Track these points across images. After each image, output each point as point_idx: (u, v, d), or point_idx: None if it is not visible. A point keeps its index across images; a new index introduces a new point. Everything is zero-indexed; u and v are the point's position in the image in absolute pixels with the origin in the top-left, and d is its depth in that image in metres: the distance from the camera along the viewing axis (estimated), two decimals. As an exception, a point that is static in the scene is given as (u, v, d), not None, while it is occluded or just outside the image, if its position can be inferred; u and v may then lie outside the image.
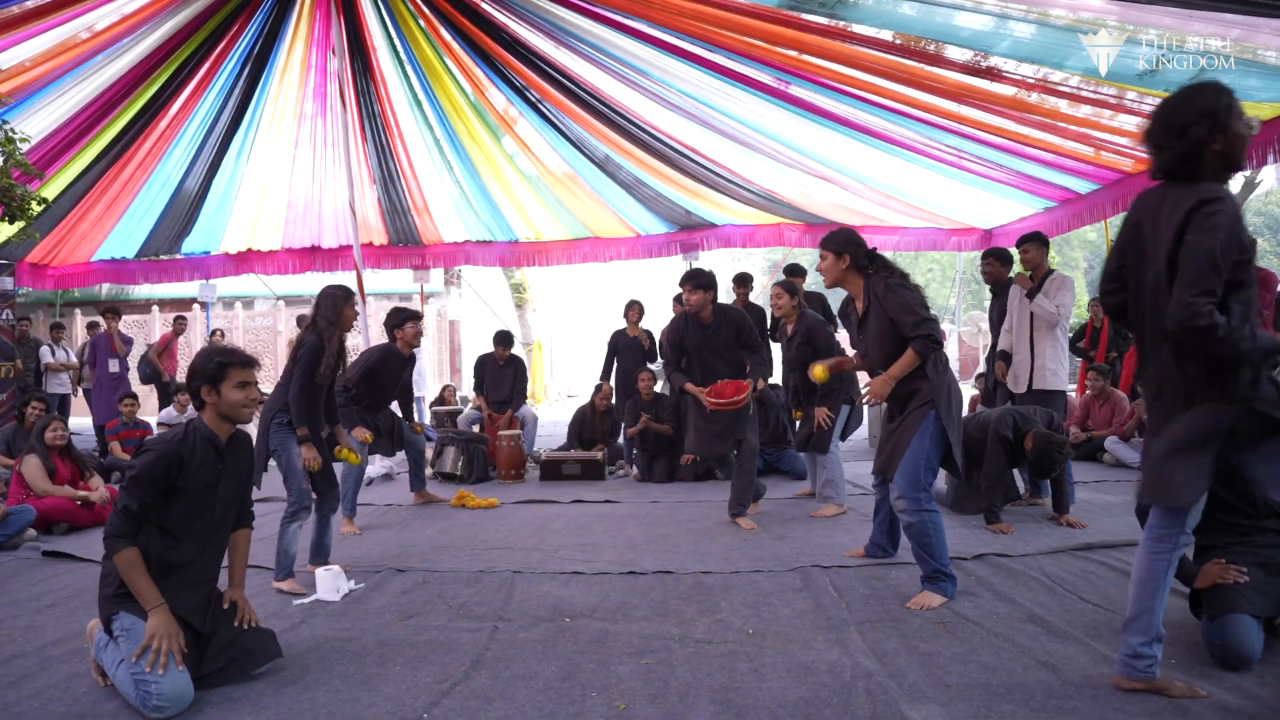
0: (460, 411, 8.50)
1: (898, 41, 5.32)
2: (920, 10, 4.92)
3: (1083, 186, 7.24)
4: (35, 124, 6.85)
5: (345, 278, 8.46)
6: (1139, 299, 2.36)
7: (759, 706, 2.36)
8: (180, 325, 10.40)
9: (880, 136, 6.94)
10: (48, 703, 2.51)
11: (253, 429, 3.08)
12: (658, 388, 7.00)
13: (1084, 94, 5.41)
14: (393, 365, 5.26)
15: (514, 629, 3.08)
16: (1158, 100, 5.17)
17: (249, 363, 2.77)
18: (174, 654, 2.43)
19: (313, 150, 8.45)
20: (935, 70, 5.57)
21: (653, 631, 3.01)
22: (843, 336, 5.09)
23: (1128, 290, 2.42)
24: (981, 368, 7.53)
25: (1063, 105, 5.69)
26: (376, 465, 7.02)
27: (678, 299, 6.90)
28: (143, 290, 17.70)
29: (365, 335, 7.43)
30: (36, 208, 6.12)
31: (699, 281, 4.77)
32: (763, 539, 4.44)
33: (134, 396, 7.80)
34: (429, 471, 6.67)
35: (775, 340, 6.81)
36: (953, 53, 5.33)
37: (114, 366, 8.58)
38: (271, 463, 3.78)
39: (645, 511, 5.31)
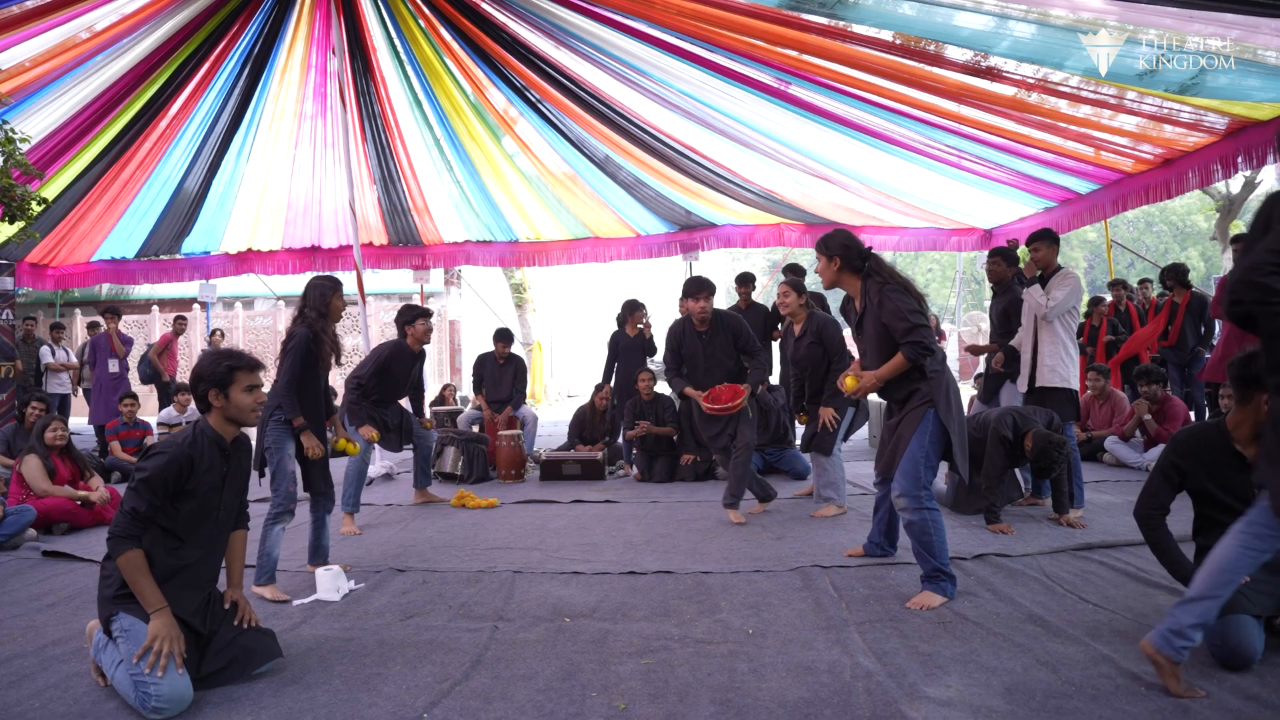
0: (460, 411, 8.49)
1: (898, 41, 5.31)
2: (920, 10, 4.92)
3: (1083, 186, 7.24)
4: (35, 124, 6.85)
5: (345, 278, 8.45)
6: None
7: (759, 706, 2.36)
8: (180, 325, 10.41)
9: (880, 136, 6.94)
10: (48, 703, 2.52)
11: (251, 430, 3.08)
12: (658, 388, 7.00)
13: (1084, 94, 5.41)
14: (403, 361, 5.34)
15: (514, 629, 3.08)
16: (1158, 100, 5.22)
17: (256, 366, 2.80)
18: (174, 656, 2.43)
19: (313, 150, 8.46)
20: (935, 70, 5.57)
21: (653, 631, 3.01)
22: (847, 334, 5.08)
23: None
24: (981, 368, 7.52)
25: (1063, 105, 5.69)
26: (377, 465, 7.02)
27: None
28: (143, 290, 17.70)
29: (365, 335, 7.43)
30: (36, 208, 6.13)
31: (709, 288, 4.90)
32: (763, 539, 4.44)
33: (134, 396, 7.80)
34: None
35: (774, 339, 6.82)
36: (953, 53, 5.33)
37: (113, 367, 8.58)
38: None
39: (645, 511, 5.31)
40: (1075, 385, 4.84)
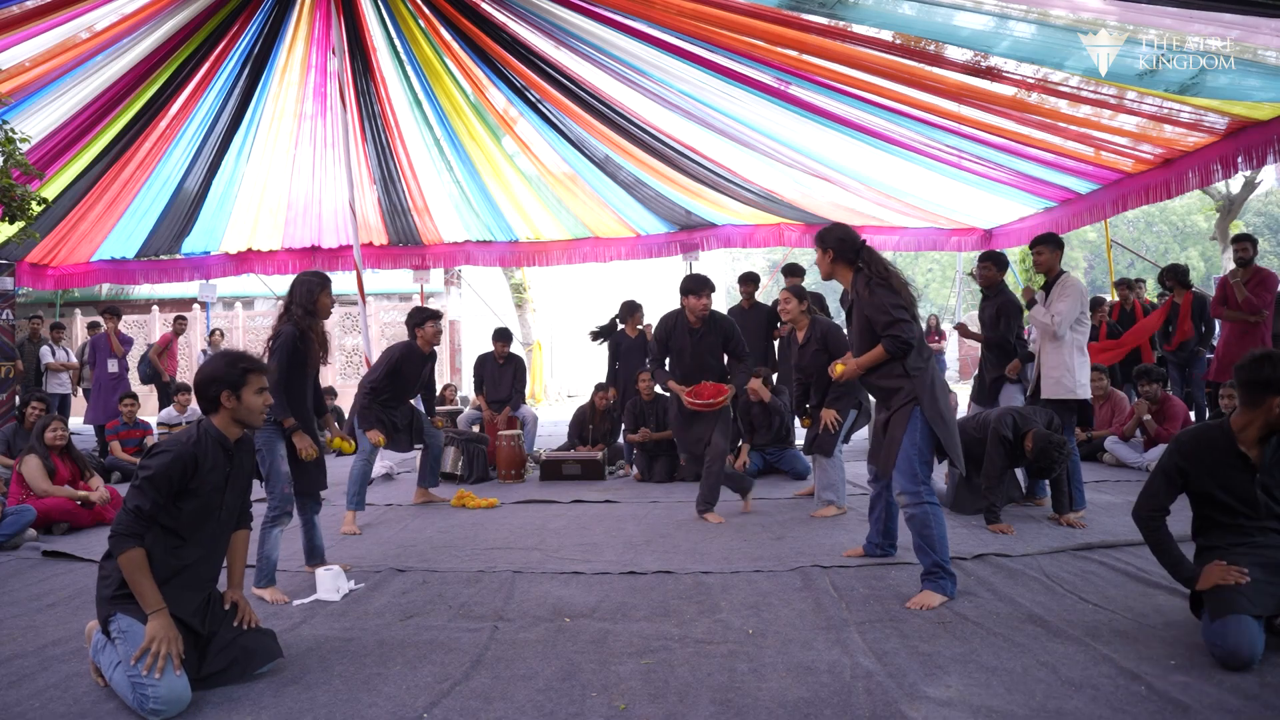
0: (460, 411, 8.50)
1: (898, 41, 5.31)
2: (920, 10, 4.91)
3: (1082, 186, 7.24)
4: (35, 124, 6.85)
5: (345, 278, 8.46)
6: None
7: (759, 706, 2.36)
8: (180, 325, 10.41)
9: (880, 136, 6.94)
10: (48, 702, 2.52)
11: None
12: (659, 389, 7.00)
13: (1084, 94, 5.41)
14: (413, 363, 5.40)
15: (514, 629, 3.08)
16: (1158, 100, 5.22)
17: (265, 368, 2.84)
18: (172, 658, 2.43)
19: (313, 150, 8.45)
20: (935, 70, 5.56)
21: (653, 631, 3.01)
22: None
23: None
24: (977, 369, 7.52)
25: (1063, 105, 5.69)
26: (378, 465, 7.02)
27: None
28: (143, 290, 17.69)
29: (365, 335, 7.44)
30: (36, 208, 6.12)
31: (711, 287, 4.97)
32: (763, 539, 4.44)
33: (134, 396, 7.80)
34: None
35: (775, 339, 6.82)
36: (953, 53, 5.33)
37: (112, 367, 8.58)
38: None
39: (645, 511, 5.31)
40: (1082, 395, 4.70)
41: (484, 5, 6.42)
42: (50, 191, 7.83)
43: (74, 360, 9.52)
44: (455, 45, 7.02)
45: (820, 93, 6.38)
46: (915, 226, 9.40)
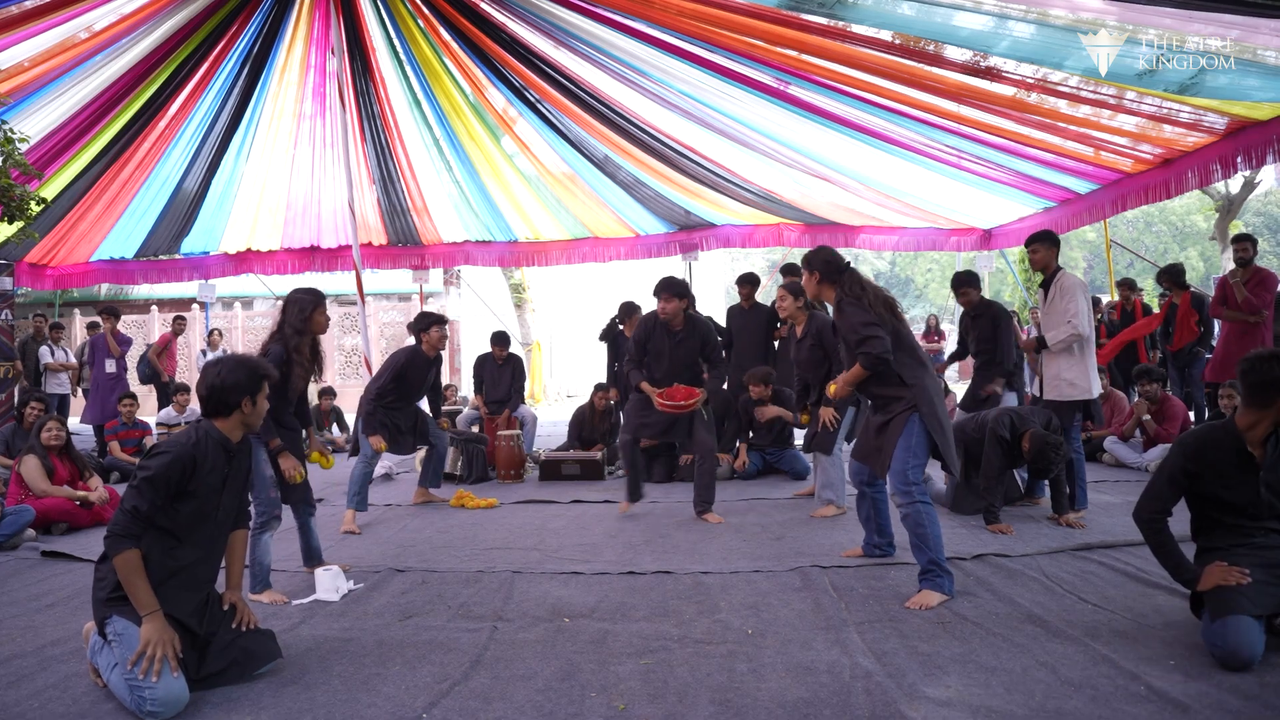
0: (459, 411, 8.49)
1: (897, 41, 5.31)
2: (920, 10, 4.91)
3: (1082, 186, 7.24)
4: (35, 124, 6.85)
5: (345, 278, 8.46)
6: None
7: (758, 706, 2.36)
8: (179, 325, 10.40)
9: (880, 136, 6.94)
10: (47, 703, 2.51)
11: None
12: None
13: (1084, 94, 5.41)
14: (418, 367, 5.42)
15: (513, 629, 3.08)
16: (1157, 100, 5.22)
17: (273, 373, 2.94)
18: (169, 659, 2.43)
19: (312, 150, 8.45)
20: (935, 70, 5.56)
21: (652, 631, 3.01)
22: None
23: None
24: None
25: (1062, 105, 5.69)
26: (379, 466, 7.01)
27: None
28: (142, 290, 17.67)
29: (364, 335, 7.43)
30: (36, 208, 6.12)
31: (676, 290, 4.97)
32: (762, 539, 4.44)
33: (133, 396, 7.79)
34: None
35: (775, 339, 6.81)
36: (952, 53, 5.33)
37: (111, 367, 8.56)
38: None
39: (645, 511, 5.31)
40: (1096, 393, 4.66)
41: (483, 5, 6.42)
42: (49, 191, 7.83)
43: (73, 360, 9.51)
44: (454, 45, 7.02)
45: (820, 93, 6.38)
46: (915, 226, 9.40)
